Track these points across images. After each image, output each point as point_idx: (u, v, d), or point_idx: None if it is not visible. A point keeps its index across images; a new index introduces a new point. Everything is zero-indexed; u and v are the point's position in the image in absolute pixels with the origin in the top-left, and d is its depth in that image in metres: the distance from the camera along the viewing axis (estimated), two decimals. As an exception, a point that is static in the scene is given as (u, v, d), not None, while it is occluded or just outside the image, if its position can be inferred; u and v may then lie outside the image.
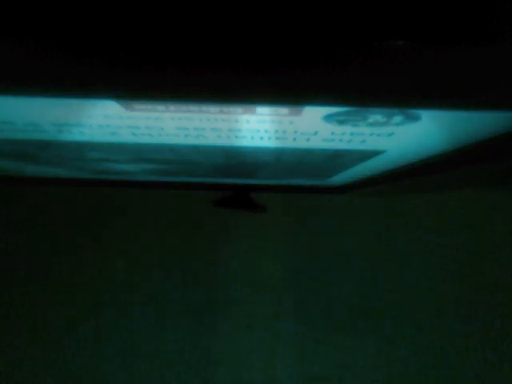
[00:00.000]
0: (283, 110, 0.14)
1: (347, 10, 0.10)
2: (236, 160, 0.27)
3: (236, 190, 0.53)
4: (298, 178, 0.38)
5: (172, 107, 0.14)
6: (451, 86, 0.11)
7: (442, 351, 0.60)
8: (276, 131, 0.18)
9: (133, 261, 0.61)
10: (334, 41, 0.10)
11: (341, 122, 0.16)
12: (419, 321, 0.60)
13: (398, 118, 0.15)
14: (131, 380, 0.59)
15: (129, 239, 0.61)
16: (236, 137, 0.19)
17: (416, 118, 0.15)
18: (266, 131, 0.18)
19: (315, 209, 0.62)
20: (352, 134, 0.18)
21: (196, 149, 0.23)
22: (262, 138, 0.19)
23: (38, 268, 0.61)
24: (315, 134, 0.18)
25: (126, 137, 0.20)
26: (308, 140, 0.20)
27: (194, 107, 0.14)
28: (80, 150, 0.24)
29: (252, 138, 0.19)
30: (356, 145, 0.21)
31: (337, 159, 0.25)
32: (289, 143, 0.21)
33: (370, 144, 0.20)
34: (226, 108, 0.14)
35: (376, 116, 0.15)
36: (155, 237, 0.61)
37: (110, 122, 0.17)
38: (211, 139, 0.20)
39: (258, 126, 0.17)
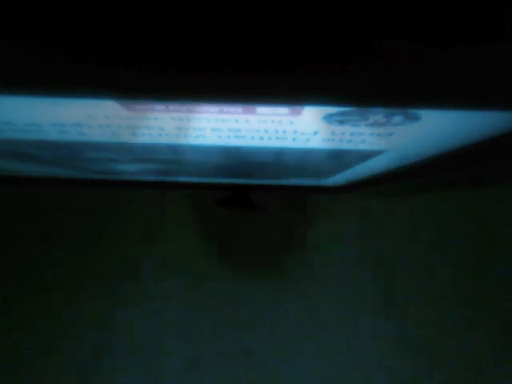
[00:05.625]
0: (283, 110, 0.14)
1: (347, 11, 0.10)
2: (236, 160, 0.27)
3: (236, 189, 0.53)
4: (298, 177, 0.38)
5: (172, 107, 0.14)
6: (451, 85, 0.11)
7: (442, 352, 0.60)
8: (276, 131, 0.18)
9: (132, 261, 0.61)
10: (334, 41, 0.10)
11: (341, 122, 0.16)
12: (420, 321, 0.60)
13: (397, 118, 0.15)
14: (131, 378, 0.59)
15: (128, 239, 0.61)
16: (236, 137, 0.19)
17: (416, 118, 0.15)
18: (265, 131, 0.18)
19: (315, 209, 0.62)
20: (352, 134, 0.18)
21: (196, 149, 0.23)
22: (261, 138, 0.20)
23: (37, 268, 0.61)
24: (315, 134, 0.18)
25: (125, 137, 0.20)
26: (308, 140, 0.20)
27: (194, 107, 0.14)
28: (80, 150, 0.24)
29: (252, 138, 0.19)
30: (356, 145, 0.21)
31: (337, 159, 0.25)
32: (289, 143, 0.21)
33: (370, 144, 0.20)
34: (226, 108, 0.14)
35: (376, 116, 0.15)
36: (155, 237, 0.61)
37: (109, 122, 0.17)
38: (211, 139, 0.20)
39: (257, 126, 0.17)
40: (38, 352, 0.59)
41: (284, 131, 0.18)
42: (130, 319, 0.60)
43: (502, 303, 0.60)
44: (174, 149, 0.23)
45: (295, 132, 0.18)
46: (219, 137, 0.19)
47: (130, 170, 0.33)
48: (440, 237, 0.61)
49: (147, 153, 0.24)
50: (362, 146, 0.21)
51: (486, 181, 0.59)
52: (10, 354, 0.59)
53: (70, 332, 0.60)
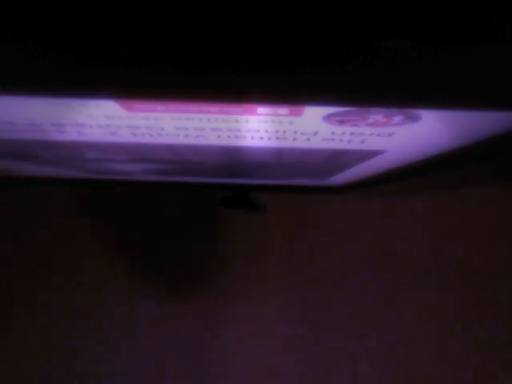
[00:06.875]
0: (283, 110, 0.14)
1: (347, 10, 0.10)
2: (236, 160, 0.27)
3: (236, 190, 0.53)
4: (298, 177, 0.38)
5: (172, 107, 0.14)
6: (451, 85, 0.11)
7: (441, 353, 0.60)
8: (276, 131, 0.18)
9: (132, 261, 0.61)
10: (334, 41, 0.10)
11: (341, 122, 0.16)
12: (419, 321, 0.60)
13: (397, 118, 0.15)
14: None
15: (128, 239, 0.61)
16: (236, 137, 0.19)
17: (416, 118, 0.15)
18: (266, 131, 0.18)
19: (315, 209, 0.62)
20: (352, 133, 0.18)
21: (196, 149, 0.23)
22: (262, 138, 0.20)
23: (37, 268, 0.61)
24: (315, 134, 0.18)
25: (125, 137, 0.20)
26: (308, 140, 0.20)
27: (194, 107, 0.14)
28: (80, 150, 0.24)
29: (252, 138, 0.19)
30: (356, 145, 0.21)
31: (337, 159, 0.25)
32: (289, 143, 0.21)
33: (370, 144, 0.20)
34: (226, 108, 0.14)
35: (376, 116, 0.15)
36: (155, 237, 0.61)
37: (109, 122, 0.17)
38: (211, 139, 0.20)
39: (258, 126, 0.17)
40: (36, 347, 0.59)
41: (284, 131, 0.18)
42: (130, 319, 0.60)
43: (503, 304, 0.60)
44: (174, 149, 0.23)
45: (295, 132, 0.18)
46: (219, 137, 0.19)
47: (130, 169, 0.33)
48: (440, 237, 0.61)
49: (147, 153, 0.24)
50: (362, 146, 0.21)
51: (486, 181, 0.59)
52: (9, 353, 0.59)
53: (69, 332, 0.60)
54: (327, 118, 0.15)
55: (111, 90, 0.12)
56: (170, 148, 0.22)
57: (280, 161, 0.27)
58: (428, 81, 0.11)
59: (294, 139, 0.20)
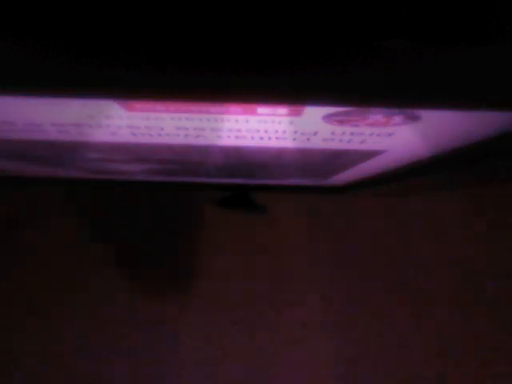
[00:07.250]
0: (283, 110, 0.14)
1: (347, 10, 0.10)
2: (236, 160, 0.27)
3: (236, 190, 0.53)
4: (298, 177, 0.38)
5: (172, 107, 0.14)
6: (451, 85, 0.11)
7: (442, 353, 0.60)
8: (276, 131, 0.18)
9: (132, 261, 0.61)
10: (334, 41, 0.10)
11: (341, 122, 0.16)
12: (419, 321, 0.60)
13: (397, 118, 0.15)
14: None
15: (128, 239, 0.61)
16: (236, 137, 0.19)
17: (416, 118, 0.15)
18: (265, 131, 0.18)
19: (315, 209, 0.62)
20: (352, 134, 0.18)
21: (196, 149, 0.23)
22: (262, 138, 0.20)
23: (36, 268, 0.61)
24: (315, 134, 0.18)
25: (126, 137, 0.20)
26: (308, 140, 0.20)
27: (194, 107, 0.14)
28: (80, 150, 0.24)
29: (252, 138, 0.19)
30: (356, 145, 0.21)
31: (337, 159, 0.25)
32: (289, 143, 0.21)
33: (370, 144, 0.20)
34: (226, 108, 0.14)
35: (376, 116, 0.15)
36: (155, 237, 0.61)
37: (109, 122, 0.17)
38: (211, 139, 0.20)
39: (257, 126, 0.17)
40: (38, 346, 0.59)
41: (284, 131, 0.18)
42: (129, 319, 0.60)
43: (503, 304, 0.60)
44: (173, 149, 0.23)
45: (295, 132, 0.18)
46: (219, 137, 0.19)
47: (130, 169, 0.33)
48: (440, 237, 0.61)
49: (147, 153, 0.24)
50: (361, 146, 0.21)
51: (486, 181, 0.59)
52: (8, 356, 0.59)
53: (69, 331, 0.60)
54: (327, 117, 0.15)
55: (111, 90, 0.12)
56: (170, 148, 0.22)
57: (280, 161, 0.27)
58: (428, 81, 0.11)
59: (294, 139, 0.20)
